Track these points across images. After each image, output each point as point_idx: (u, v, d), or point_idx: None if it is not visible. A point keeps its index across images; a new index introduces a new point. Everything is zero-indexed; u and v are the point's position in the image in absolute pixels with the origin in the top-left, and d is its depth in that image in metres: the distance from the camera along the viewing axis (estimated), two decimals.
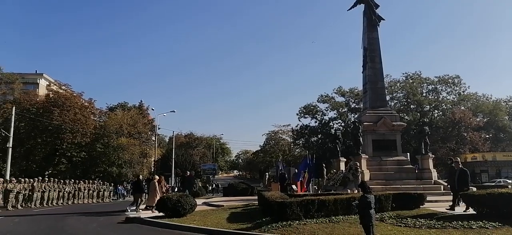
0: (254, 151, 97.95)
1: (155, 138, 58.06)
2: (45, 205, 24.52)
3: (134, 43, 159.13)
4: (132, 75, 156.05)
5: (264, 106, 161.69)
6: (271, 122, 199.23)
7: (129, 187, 46.84)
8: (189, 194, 20.56)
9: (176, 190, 24.27)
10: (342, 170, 20.35)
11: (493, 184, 32.59)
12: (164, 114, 58.33)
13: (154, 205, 15.75)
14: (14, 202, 22.30)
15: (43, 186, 25.03)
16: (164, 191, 18.11)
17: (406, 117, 51.69)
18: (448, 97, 58.16)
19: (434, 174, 21.48)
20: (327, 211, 11.30)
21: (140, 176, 22.38)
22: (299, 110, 63.88)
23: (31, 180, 24.60)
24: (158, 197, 15.83)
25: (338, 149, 22.32)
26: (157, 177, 18.49)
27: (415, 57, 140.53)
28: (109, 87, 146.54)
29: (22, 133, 40.89)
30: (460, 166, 13.73)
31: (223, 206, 17.55)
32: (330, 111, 62.09)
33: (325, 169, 25.48)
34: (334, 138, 24.31)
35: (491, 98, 59.25)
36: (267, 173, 32.00)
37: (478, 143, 50.61)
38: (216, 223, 12.01)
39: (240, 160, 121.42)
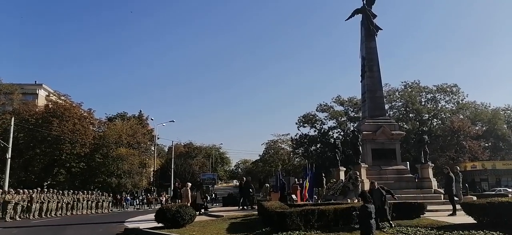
0: (254, 160, 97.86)
1: (155, 148, 57.91)
2: (43, 216, 24.38)
3: (133, 53, 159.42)
4: (131, 85, 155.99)
5: (263, 114, 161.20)
6: (270, 131, 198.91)
7: (128, 196, 46.76)
8: (249, 199, 21.72)
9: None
10: (342, 179, 20.26)
11: (493, 192, 32.47)
12: (163, 124, 58.05)
13: None
14: (12, 213, 22.20)
15: (41, 197, 24.91)
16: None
17: (405, 126, 51.74)
18: (447, 106, 58.32)
19: (434, 183, 21.37)
20: (327, 221, 11.24)
21: (177, 183, 23.13)
22: (298, 120, 63.97)
23: (30, 190, 24.50)
24: (189, 202, 17.28)
25: (338, 158, 22.24)
26: (189, 184, 21.13)
27: (413, 64, 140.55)
28: (108, 97, 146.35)
29: (21, 144, 40.82)
30: (377, 187, 12.06)
31: (222, 216, 17.44)
32: (329, 120, 62.21)
33: (324, 178, 25.38)
34: (333, 147, 24.23)
35: (489, 107, 59.44)
36: (267, 184, 31.82)
37: (478, 151, 50.64)
38: (216, 234, 11.96)
39: (239, 170, 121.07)
